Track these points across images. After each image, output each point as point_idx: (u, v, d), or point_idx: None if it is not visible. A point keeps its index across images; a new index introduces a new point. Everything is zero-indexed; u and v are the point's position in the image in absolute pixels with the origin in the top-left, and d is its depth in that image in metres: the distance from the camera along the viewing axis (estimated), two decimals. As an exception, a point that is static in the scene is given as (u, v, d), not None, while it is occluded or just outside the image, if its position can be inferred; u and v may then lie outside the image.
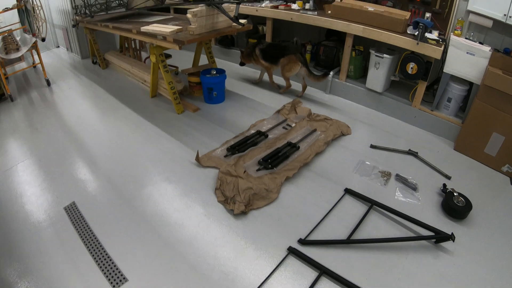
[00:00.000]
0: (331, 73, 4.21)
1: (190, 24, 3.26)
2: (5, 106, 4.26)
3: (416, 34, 3.38)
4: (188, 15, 3.24)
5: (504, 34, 3.21)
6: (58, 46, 6.91)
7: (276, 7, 4.45)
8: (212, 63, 4.42)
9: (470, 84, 3.27)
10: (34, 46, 4.73)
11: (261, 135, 3.16)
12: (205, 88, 3.93)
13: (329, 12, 4.08)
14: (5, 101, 4.41)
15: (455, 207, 2.34)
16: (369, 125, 3.60)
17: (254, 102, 4.08)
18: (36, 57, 5.51)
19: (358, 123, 3.59)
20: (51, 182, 2.73)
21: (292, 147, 2.94)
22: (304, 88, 4.21)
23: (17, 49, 4.67)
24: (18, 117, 3.93)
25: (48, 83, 4.82)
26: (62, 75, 5.25)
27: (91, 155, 3.07)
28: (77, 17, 5.23)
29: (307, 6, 4.42)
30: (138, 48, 5.42)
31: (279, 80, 4.43)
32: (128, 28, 3.87)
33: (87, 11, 4.95)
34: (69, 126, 3.62)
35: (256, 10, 4.49)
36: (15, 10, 5.34)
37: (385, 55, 3.66)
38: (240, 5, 3.51)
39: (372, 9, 3.75)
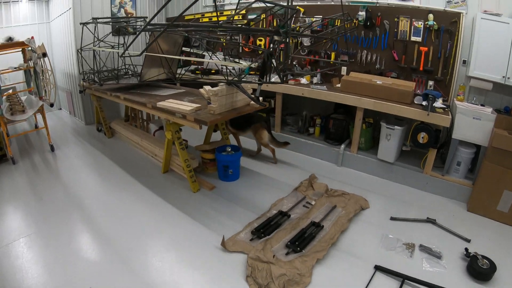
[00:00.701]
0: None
1: (206, 100, 3.30)
2: (6, 168, 4.10)
3: (424, 104, 3.57)
4: (202, 91, 3.29)
5: (503, 94, 3.48)
6: (60, 109, 6.93)
7: (286, 82, 4.58)
8: (226, 139, 4.41)
9: (476, 146, 3.43)
10: (40, 110, 4.68)
11: (283, 215, 3.10)
12: (220, 166, 3.86)
13: (338, 86, 4.25)
14: (6, 162, 4.24)
15: (481, 270, 2.40)
16: (384, 196, 3.63)
17: (269, 179, 4.01)
18: (38, 118, 5.44)
19: (374, 194, 3.61)
20: (61, 262, 2.55)
21: (317, 226, 2.90)
22: (259, 150, 4.62)
23: (23, 111, 4.56)
24: (20, 182, 3.77)
25: (52, 149, 4.73)
26: (65, 141, 5.18)
27: (104, 234, 2.91)
28: (84, 83, 5.17)
29: (315, 80, 4.60)
30: (145, 119, 5.35)
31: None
32: (142, 102, 3.82)
33: (95, 79, 4.91)
34: (77, 199, 3.45)
35: (267, 86, 4.52)
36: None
37: (396, 127, 3.79)
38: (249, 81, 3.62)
39: (380, 82, 3.93)
